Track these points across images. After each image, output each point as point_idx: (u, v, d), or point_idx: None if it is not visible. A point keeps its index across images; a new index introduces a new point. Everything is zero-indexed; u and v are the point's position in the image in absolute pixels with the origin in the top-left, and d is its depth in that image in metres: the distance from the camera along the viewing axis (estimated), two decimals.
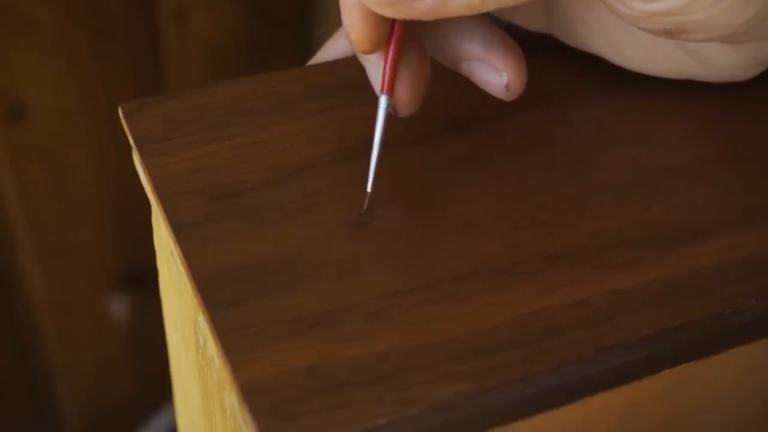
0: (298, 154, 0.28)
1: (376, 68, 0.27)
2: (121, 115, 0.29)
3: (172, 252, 0.27)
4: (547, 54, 0.32)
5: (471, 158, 0.29)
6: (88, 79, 0.83)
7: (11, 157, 0.81)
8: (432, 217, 0.27)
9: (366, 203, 0.27)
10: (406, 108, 0.27)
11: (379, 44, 0.26)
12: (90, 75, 0.83)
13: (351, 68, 0.31)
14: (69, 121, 0.83)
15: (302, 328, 0.24)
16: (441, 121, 0.30)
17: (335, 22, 0.27)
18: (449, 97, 0.30)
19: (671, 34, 0.26)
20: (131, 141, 0.28)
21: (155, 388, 1.03)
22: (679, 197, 0.28)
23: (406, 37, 0.27)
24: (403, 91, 0.27)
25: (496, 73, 0.28)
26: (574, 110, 0.31)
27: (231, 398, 0.23)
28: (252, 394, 0.22)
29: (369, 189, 0.27)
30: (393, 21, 0.26)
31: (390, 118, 0.27)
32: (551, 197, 0.27)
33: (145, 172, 0.28)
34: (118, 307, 0.96)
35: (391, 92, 0.27)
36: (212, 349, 0.24)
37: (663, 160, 0.29)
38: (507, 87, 0.27)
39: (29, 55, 0.78)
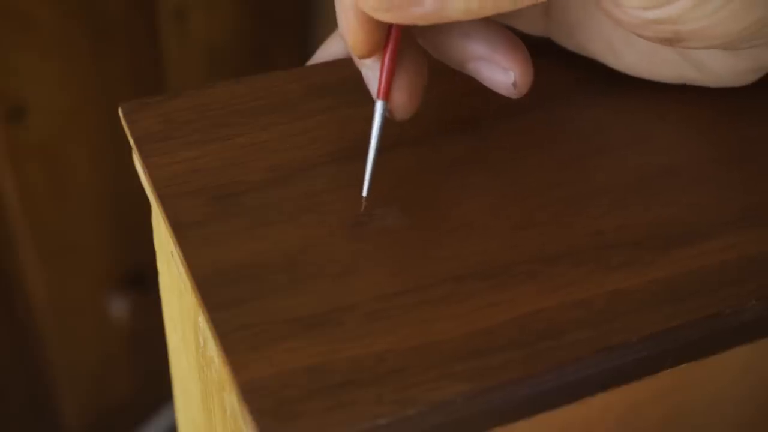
0: (298, 154, 0.28)
1: (372, 72, 0.27)
2: (121, 115, 0.29)
3: (172, 252, 0.27)
4: (545, 56, 0.32)
5: (470, 159, 0.29)
6: (87, 79, 0.83)
7: (11, 157, 0.81)
8: (431, 217, 0.27)
9: (363, 207, 0.27)
10: (402, 112, 0.27)
11: (375, 49, 0.26)
12: (90, 75, 0.83)
13: (351, 68, 0.31)
14: (69, 121, 0.83)
15: (302, 328, 0.24)
16: (440, 121, 0.30)
17: (335, 22, 0.27)
18: (449, 97, 0.30)
19: (670, 42, 0.26)
20: (131, 141, 0.29)
21: (155, 388, 1.04)
22: (678, 198, 0.28)
23: (402, 40, 0.27)
24: (400, 95, 0.27)
25: (502, 72, 0.28)
26: (572, 112, 0.31)
27: (231, 398, 0.23)
28: (252, 394, 0.22)
29: (364, 194, 0.27)
30: (390, 25, 0.26)
31: (387, 121, 0.27)
32: (550, 198, 0.27)
33: (145, 172, 0.28)
34: (118, 307, 0.96)
35: (387, 97, 0.27)
36: (212, 349, 0.24)
37: (662, 160, 0.29)
38: (514, 85, 0.28)
39: (29, 55, 0.78)
